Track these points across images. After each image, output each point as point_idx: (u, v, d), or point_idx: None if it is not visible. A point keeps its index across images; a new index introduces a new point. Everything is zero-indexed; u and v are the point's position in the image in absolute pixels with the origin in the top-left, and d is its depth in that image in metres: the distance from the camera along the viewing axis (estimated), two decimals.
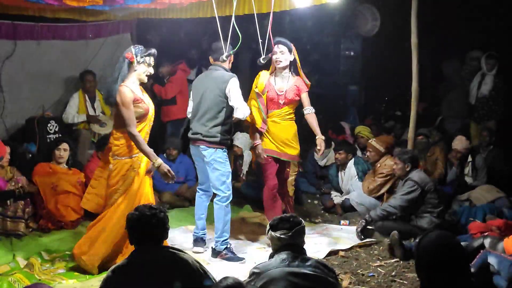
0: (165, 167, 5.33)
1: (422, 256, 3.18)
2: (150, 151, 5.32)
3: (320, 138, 6.31)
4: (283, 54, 6.16)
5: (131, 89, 5.32)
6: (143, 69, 5.38)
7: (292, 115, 6.40)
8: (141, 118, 5.39)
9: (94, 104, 8.42)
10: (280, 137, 6.32)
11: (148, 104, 5.49)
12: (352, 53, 12.68)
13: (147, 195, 5.51)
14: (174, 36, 10.17)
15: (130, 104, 5.25)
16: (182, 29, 9.93)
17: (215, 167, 5.86)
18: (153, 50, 5.43)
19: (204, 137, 5.87)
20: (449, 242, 3.16)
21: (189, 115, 6.19)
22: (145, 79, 5.44)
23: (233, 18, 5.32)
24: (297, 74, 6.35)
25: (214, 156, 5.84)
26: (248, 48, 9.91)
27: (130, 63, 5.34)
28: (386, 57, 12.35)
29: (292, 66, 6.30)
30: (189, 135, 6.06)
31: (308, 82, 6.35)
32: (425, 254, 3.15)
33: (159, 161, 5.31)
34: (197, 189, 6.26)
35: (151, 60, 5.41)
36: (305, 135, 7.02)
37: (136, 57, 5.32)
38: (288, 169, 6.68)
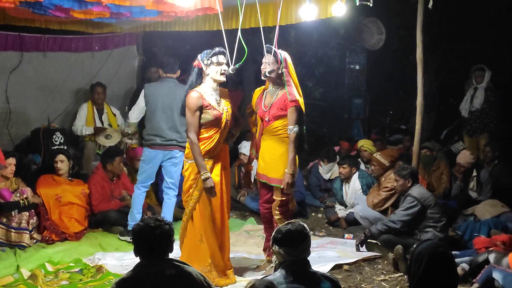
0: (211, 183, 5.26)
1: (412, 262, 3.47)
2: (202, 163, 5.27)
3: (287, 173, 5.41)
4: (268, 65, 5.46)
5: (202, 94, 5.33)
6: (215, 69, 5.35)
7: (283, 132, 5.47)
8: (208, 124, 5.36)
9: (102, 116, 8.43)
10: (263, 156, 5.66)
11: (222, 110, 5.41)
12: (357, 67, 12.70)
13: (221, 200, 5.48)
14: (180, 49, 10.19)
15: (193, 109, 5.27)
16: (188, 42, 9.95)
17: (179, 168, 6.68)
18: (218, 49, 5.37)
19: (179, 142, 6.74)
20: (438, 251, 3.42)
21: (133, 120, 7.17)
22: (221, 78, 5.38)
23: (239, 32, 5.32)
24: (291, 86, 5.48)
25: (181, 158, 6.55)
26: (254, 61, 9.92)
27: (200, 70, 5.40)
28: (391, 71, 12.37)
29: (279, 78, 5.50)
30: (160, 141, 6.73)
31: (297, 98, 5.42)
32: (415, 261, 3.43)
33: (207, 175, 5.26)
34: (140, 187, 6.88)
35: (219, 58, 5.34)
36: (309, 147, 6.94)
37: (202, 61, 5.37)
38: (269, 192, 5.71)
